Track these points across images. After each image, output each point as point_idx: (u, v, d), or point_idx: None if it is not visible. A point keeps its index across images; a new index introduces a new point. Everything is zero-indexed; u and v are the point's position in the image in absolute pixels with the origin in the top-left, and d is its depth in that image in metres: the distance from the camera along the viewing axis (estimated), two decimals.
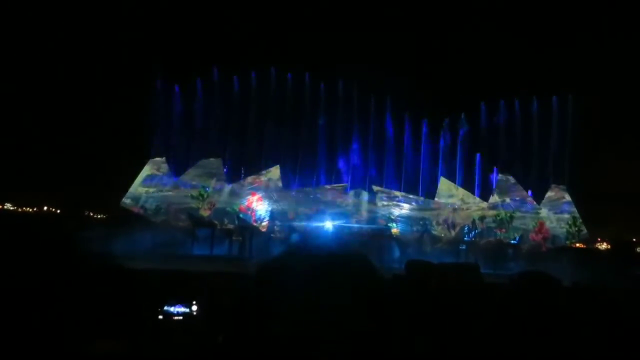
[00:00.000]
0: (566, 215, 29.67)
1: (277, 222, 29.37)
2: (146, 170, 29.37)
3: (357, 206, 29.86)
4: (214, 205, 29.22)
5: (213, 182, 29.49)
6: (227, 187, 29.59)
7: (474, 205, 30.06)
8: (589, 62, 37.77)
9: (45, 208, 45.09)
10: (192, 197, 29.17)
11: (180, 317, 5.30)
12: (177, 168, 30.01)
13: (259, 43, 34.92)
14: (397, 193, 30.40)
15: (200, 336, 4.59)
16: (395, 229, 29.62)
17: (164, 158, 29.67)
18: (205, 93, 30.28)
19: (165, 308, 5.35)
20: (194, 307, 5.38)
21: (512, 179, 30.41)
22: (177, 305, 5.37)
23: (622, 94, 36.74)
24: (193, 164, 30.02)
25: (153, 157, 29.62)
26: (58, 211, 42.25)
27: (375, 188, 30.33)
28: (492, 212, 29.89)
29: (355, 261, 5.60)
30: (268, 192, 29.51)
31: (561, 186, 30.11)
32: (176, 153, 30.22)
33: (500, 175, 30.48)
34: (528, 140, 30.83)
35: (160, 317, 5.29)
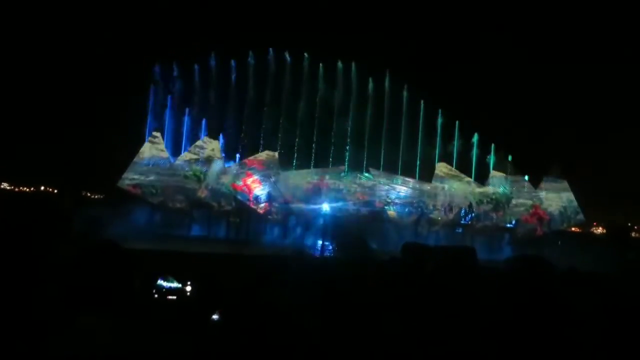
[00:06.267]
0: (563, 199, 29.72)
1: (274, 204, 29.36)
2: (143, 151, 29.19)
3: (354, 189, 29.82)
4: (211, 187, 29.15)
5: (210, 163, 29.35)
6: (225, 169, 29.47)
7: (471, 188, 30.06)
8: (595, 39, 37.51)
9: (42, 188, 45.03)
10: (189, 178, 29.06)
11: (174, 297, 5.30)
12: (175, 149, 29.91)
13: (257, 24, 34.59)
14: (395, 176, 30.34)
15: (194, 316, 4.60)
16: (392, 212, 29.66)
17: (161, 139, 29.49)
18: (202, 74, 30.08)
19: (159, 287, 5.36)
20: (189, 287, 5.38)
21: (509, 162, 30.40)
22: (171, 285, 5.37)
23: (624, 75, 36.62)
24: (190, 144, 29.91)
25: (150, 138, 29.43)
26: (55, 191, 42.21)
27: (372, 171, 30.26)
28: (488, 196, 29.92)
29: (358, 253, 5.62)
30: (265, 174, 29.42)
31: (558, 170, 30.11)
32: (174, 134, 30.13)
33: (497, 158, 30.43)
34: (522, 124, 30.85)
35: (155, 295, 5.31)
